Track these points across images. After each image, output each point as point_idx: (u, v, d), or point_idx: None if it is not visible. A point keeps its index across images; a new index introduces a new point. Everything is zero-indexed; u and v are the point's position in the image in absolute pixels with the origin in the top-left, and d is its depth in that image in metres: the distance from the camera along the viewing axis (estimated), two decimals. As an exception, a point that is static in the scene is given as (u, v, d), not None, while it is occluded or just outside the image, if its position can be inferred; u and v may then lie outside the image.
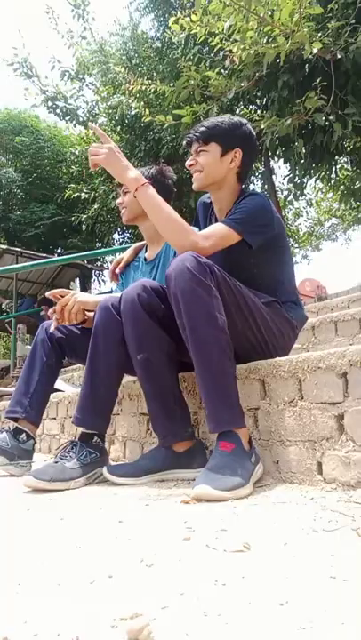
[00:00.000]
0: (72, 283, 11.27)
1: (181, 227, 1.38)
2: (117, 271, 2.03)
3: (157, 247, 1.91)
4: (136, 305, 1.42)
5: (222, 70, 5.59)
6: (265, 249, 1.48)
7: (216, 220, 1.66)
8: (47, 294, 1.88)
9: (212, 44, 4.63)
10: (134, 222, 1.94)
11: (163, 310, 1.45)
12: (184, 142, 1.64)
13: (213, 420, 1.25)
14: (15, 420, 1.78)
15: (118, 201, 1.95)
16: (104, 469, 1.47)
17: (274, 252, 1.55)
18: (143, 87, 5.63)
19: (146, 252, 1.97)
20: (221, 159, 1.54)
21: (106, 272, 14.21)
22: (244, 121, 1.59)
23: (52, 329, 1.75)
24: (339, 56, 4.38)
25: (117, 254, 2.17)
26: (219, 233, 1.41)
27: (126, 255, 2.05)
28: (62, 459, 1.48)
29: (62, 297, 1.74)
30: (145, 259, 1.95)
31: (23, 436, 1.77)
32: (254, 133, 1.62)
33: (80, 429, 1.59)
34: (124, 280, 2.02)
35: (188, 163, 1.59)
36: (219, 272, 1.34)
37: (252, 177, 11.23)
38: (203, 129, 1.55)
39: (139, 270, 1.97)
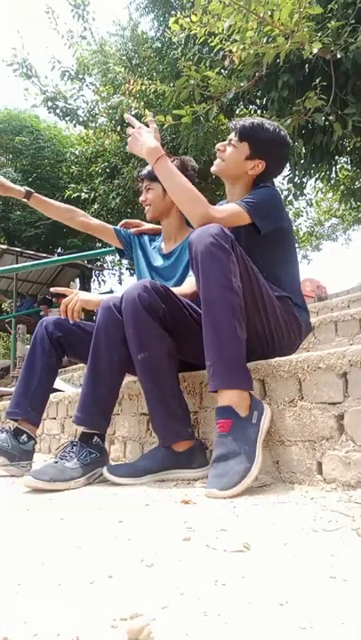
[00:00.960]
0: (72, 283, 11.28)
1: (197, 197, 1.42)
2: (132, 230, 2.10)
3: (174, 244, 1.96)
4: (137, 304, 1.42)
5: (222, 70, 5.58)
6: (272, 240, 1.49)
7: None
8: (51, 290, 1.92)
9: (212, 44, 4.63)
10: (158, 219, 1.98)
11: (163, 310, 1.45)
12: (230, 124, 1.65)
13: (214, 377, 1.24)
14: (15, 420, 1.78)
15: (141, 198, 1.98)
16: (104, 469, 1.47)
17: (279, 247, 1.57)
18: (143, 87, 5.63)
19: (161, 242, 2.03)
20: (245, 161, 1.59)
21: (106, 272, 14.22)
22: (287, 140, 1.62)
23: (71, 321, 1.78)
24: (339, 56, 4.37)
25: (118, 254, 2.20)
26: (231, 210, 1.44)
27: (147, 226, 2.13)
28: (62, 459, 1.48)
29: (66, 296, 1.79)
30: (161, 248, 2.01)
31: (24, 437, 1.76)
32: (289, 148, 1.65)
33: (80, 429, 1.59)
34: (130, 238, 2.08)
35: (218, 145, 1.64)
36: (240, 250, 1.35)
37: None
38: (246, 124, 1.59)
39: (151, 251, 2.03)
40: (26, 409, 1.76)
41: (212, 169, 1.66)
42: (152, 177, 1.92)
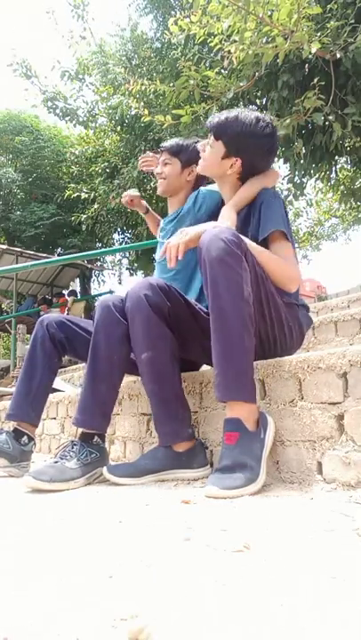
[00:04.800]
0: (72, 283, 11.27)
1: (284, 264, 1.44)
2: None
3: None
4: (143, 303, 1.42)
5: (222, 70, 5.58)
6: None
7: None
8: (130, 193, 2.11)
9: (212, 44, 4.63)
10: (168, 194, 1.97)
11: (168, 308, 1.45)
12: (207, 122, 1.65)
13: (220, 388, 1.23)
14: (15, 421, 1.78)
15: (157, 170, 1.95)
16: (104, 469, 1.47)
17: None
18: (143, 87, 5.63)
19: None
20: (222, 161, 1.59)
21: (106, 272, 14.19)
22: (267, 131, 1.53)
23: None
24: (338, 56, 4.37)
25: (117, 254, 2.21)
26: (291, 256, 1.47)
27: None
28: (62, 458, 1.48)
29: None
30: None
31: (25, 439, 1.76)
32: (274, 139, 1.58)
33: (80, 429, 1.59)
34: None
35: (199, 145, 1.69)
36: (251, 256, 1.34)
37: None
38: (219, 121, 1.56)
39: (164, 231, 2.01)
40: (27, 411, 1.76)
41: (197, 169, 1.70)
42: (174, 151, 1.91)
